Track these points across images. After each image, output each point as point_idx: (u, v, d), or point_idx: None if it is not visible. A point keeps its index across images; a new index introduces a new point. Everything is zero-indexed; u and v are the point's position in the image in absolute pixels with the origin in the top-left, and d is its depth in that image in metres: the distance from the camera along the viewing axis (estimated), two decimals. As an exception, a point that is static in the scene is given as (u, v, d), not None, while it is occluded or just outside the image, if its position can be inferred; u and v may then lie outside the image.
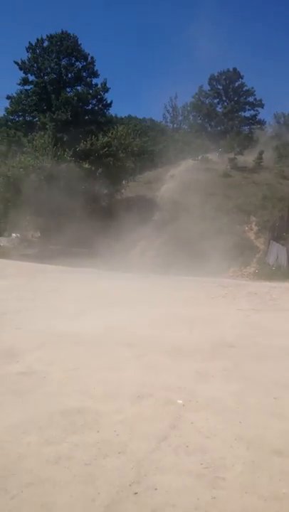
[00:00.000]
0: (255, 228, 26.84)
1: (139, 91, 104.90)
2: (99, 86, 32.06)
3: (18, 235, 33.07)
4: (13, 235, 33.11)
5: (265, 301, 12.11)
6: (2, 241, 33.09)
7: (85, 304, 10.00)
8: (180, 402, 3.94)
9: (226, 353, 5.94)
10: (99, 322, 7.63)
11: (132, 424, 3.45)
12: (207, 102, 46.65)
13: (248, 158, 37.91)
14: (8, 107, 32.18)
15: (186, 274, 21.72)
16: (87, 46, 55.15)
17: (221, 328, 7.72)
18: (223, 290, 15.22)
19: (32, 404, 3.78)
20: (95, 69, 32.28)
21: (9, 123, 32.16)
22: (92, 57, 32.12)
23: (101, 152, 28.95)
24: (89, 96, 31.48)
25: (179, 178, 36.45)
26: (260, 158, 36.65)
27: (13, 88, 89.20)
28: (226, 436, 3.29)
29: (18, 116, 32.71)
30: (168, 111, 51.40)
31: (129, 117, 58.13)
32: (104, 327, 7.19)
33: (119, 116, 49.97)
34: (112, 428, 3.37)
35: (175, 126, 51.18)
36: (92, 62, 32.03)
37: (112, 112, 34.32)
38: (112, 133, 30.15)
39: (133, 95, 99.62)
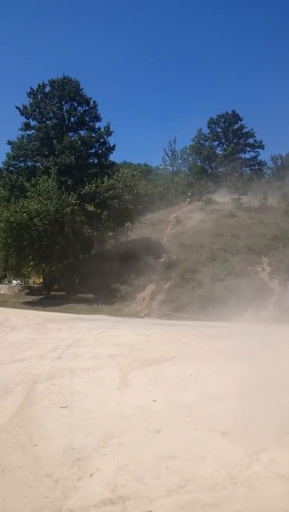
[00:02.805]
0: (267, 269, 25.65)
1: (133, 138, 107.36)
2: (102, 130, 31.82)
3: (20, 281, 31.58)
4: (14, 281, 31.60)
5: None
6: (2, 288, 31.50)
7: (122, 362, 8.45)
8: None
9: None
10: (154, 392, 6.09)
11: None
12: (206, 144, 47.12)
13: (252, 199, 37.58)
14: (10, 152, 31.64)
15: (202, 319, 20.26)
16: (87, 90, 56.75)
17: None
18: (262, 338, 13.71)
19: None
20: (98, 113, 32.21)
21: (11, 168, 31.48)
22: (94, 102, 32.11)
23: (106, 195, 28.22)
24: (93, 140, 31.12)
25: (183, 219, 35.79)
26: (265, 198, 36.31)
27: (14, 133, 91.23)
28: None
29: (20, 161, 32.09)
30: (167, 154, 51.99)
31: (125, 163, 58.62)
32: (168, 400, 5.65)
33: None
34: None
35: (174, 169, 51.52)
36: (95, 107, 31.95)
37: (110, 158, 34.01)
38: (116, 175, 29.60)
39: (127, 142, 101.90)
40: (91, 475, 3.41)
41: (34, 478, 3.34)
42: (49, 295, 28.16)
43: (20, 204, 25.93)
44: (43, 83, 32.06)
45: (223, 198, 39.27)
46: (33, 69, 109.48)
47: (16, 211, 25.45)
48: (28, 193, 27.56)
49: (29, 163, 32.18)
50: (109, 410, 5.13)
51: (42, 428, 4.49)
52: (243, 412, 5.09)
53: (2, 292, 30.83)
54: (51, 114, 31.76)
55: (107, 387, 6.39)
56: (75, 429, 4.48)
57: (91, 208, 27.83)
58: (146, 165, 63.14)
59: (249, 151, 47.66)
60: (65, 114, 32.13)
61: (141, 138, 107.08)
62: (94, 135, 31.85)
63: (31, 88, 31.89)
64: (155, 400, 5.58)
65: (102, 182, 28.23)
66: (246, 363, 8.69)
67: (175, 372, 7.62)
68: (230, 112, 46.59)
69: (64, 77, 32.12)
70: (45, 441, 4.14)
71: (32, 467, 3.53)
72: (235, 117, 46.42)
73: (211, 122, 47.28)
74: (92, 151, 32.35)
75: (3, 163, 31.97)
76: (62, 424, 4.64)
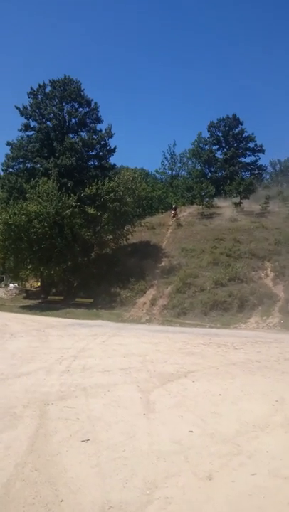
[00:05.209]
0: (271, 274, 24.90)
1: (129, 144, 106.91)
2: (103, 132, 31.05)
3: (17, 285, 30.66)
4: (11, 285, 30.68)
5: None
6: (-1, 292, 30.61)
7: (138, 378, 7.64)
8: None
9: None
10: (186, 419, 5.28)
11: None
12: (206, 148, 46.48)
13: (252, 203, 36.96)
14: (9, 153, 30.76)
15: (205, 326, 19.51)
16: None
17: None
18: (277, 349, 12.88)
19: None
20: (99, 114, 31.44)
21: (10, 169, 30.60)
22: (95, 103, 31.34)
23: (107, 197, 27.45)
24: (94, 141, 30.31)
25: (183, 222, 35.07)
26: (266, 202, 35.70)
27: (14, 134, 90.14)
28: None
29: (19, 162, 31.23)
30: (166, 158, 51.27)
31: (122, 167, 57.80)
32: (206, 431, 4.84)
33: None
34: None
35: (174, 172, 50.83)
36: (96, 108, 31.19)
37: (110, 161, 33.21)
38: (117, 177, 28.82)
39: (124, 147, 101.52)
40: None
41: None
42: (47, 299, 27.29)
43: (19, 206, 25.11)
44: (44, 83, 31.32)
45: (223, 202, 38.65)
46: (33, 70, 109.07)
47: (15, 213, 24.64)
48: (27, 195, 26.71)
49: (28, 165, 31.33)
50: (142, 446, 4.30)
51: (66, 473, 3.64)
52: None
53: (-2, 296, 29.94)
54: (52, 115, 30.96)
55: (129, 411, 5.57)
56: (106, 474, 3.62)
57: (91, 211, 26.98)
58: (143, 169, 62.47)
59: (249, 155, 47.11)
60: (66, 115, 31.34)
61: (137, 143, 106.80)
62: (95, 137, 31.08)
63: (31, 88, 31.12)
64: (191, 431, 4.77)
65: (103, 184, 27.45)
66: (275, 378, 7.92)
67: (200, 391, 6.81)
68: (230, 116, 46.03)
69: (65, 77, 31.37)
70: (73, 493, 3.27)
71: None
72: (235, 121, 45.81)
73: (212, 126, 46.64)
74: (93, 152, 31.59)
75: (2, 164, 31.08)
76: (89, 466, 3.79)
